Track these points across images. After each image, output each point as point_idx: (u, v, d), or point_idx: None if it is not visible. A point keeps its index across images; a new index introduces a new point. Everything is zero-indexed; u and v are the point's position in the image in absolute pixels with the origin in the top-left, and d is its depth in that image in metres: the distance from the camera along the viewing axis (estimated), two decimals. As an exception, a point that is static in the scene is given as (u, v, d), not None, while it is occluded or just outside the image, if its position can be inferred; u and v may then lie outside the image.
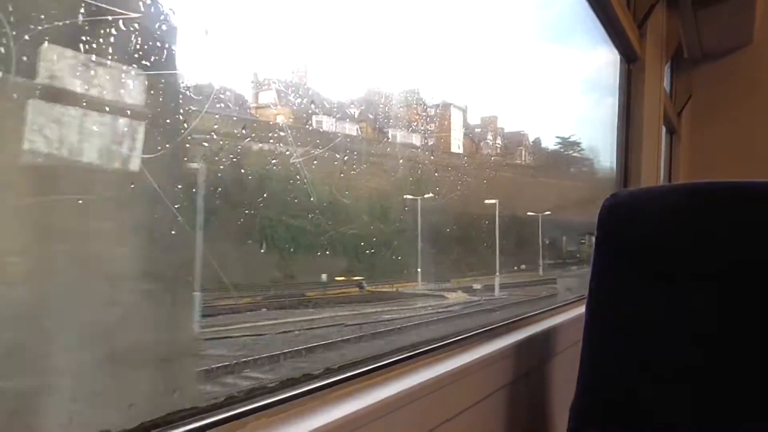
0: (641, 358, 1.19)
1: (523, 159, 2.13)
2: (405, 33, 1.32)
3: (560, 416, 1.53)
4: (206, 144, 0.81)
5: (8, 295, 0.52)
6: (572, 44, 2.60)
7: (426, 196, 1.39)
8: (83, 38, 0.57)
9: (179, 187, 0.71)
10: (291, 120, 1.02)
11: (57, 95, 0.56)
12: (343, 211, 1.11)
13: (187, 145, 0.72)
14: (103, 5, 0.58)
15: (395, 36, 1.29)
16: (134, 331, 0.65)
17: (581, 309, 1.32)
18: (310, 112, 1.04)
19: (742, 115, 4.43)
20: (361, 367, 0.94)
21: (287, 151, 0.96)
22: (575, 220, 2.91)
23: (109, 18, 0.58)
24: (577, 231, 2.89)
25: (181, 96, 0.70)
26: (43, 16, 0.52)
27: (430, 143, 1.43)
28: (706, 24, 3.90)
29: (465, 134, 1.63)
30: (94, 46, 0.58)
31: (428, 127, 1.41)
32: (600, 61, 2.79)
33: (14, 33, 0.49)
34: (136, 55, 0.62)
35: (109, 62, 0.59)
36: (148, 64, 0.63)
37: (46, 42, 0.53)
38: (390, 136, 1.31)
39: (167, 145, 0.66)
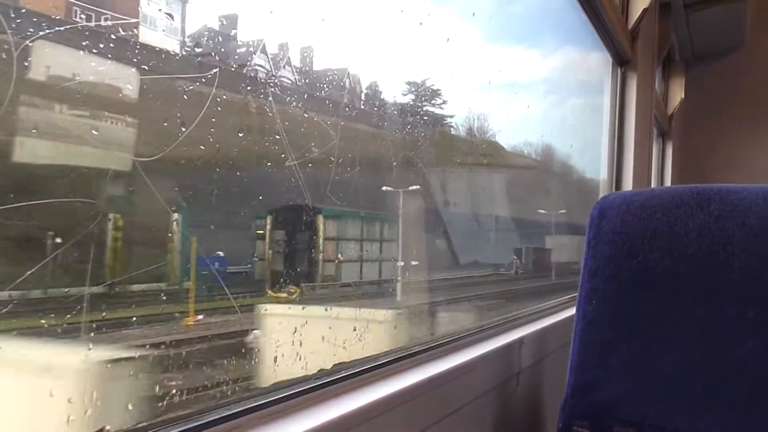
0: (630, 359, 1.21)
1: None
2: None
3: (550, 416, 1.55)
4: None
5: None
6: (531, 44, 2.46)
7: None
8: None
9: None
10: None
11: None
12: None
13: None
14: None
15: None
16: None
17: (572, 311, 1.33)
18: None
19: (733, 119, 4.47)
20: (353, 368, 0.95)
21: None
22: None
23: None
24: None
25: None
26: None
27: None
28: (698, 27, 3.93)
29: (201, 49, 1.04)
30: None
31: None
32: (560, 62, 2.72)
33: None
34: None
35: None
36: None
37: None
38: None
39: None
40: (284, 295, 1.28)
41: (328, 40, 1.29)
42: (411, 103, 1.76)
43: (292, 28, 1.26)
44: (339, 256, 1.57)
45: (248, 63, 1.23)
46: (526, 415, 1.51)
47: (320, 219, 1.48)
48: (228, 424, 0.70)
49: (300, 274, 1.41)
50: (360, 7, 1.38)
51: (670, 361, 1.18)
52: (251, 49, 1.23)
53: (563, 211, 2.95)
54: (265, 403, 0.76)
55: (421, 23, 1.41)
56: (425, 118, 1.80)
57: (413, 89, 1.75)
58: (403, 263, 1.64)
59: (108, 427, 0.59)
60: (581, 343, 1.26)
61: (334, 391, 0.87)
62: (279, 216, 1.32)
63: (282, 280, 1.33)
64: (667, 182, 4.59)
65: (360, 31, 1.31)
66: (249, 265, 1.34)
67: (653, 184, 3.94)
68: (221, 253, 1.08)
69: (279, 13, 1.14)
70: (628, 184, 2.81)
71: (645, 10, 2.71)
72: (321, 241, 1.49)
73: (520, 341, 1.42)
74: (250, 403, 0.74)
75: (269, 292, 1.27)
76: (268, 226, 1.31)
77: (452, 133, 1.98)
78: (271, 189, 1.16)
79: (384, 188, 1.46)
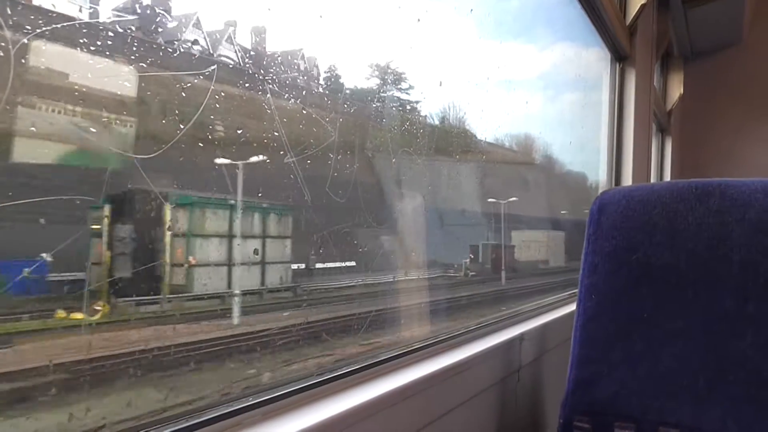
0: (631, 354, 1.21)
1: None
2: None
3: (551, 412, 1.55)
4: None
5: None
6: (528, 39, 2.41)
7: None
8: None
9: None
10: None
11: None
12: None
13: None
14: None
15: None
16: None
17: (573, 306, 1.33)
18: None
19: (732, 113, 4.47)
20: (353, 365, 0.95)
21: None
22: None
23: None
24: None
25: None
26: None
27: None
28: (697, 23, 3.93)
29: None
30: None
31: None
32: (555, 58, 2.68)
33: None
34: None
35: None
36: None
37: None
38: None
39: None
40: (80, 316, 0.91)
41: (326, 35, 1.20)
42: (375, 87, 1.51)
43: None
44: (190, 258, 1.17)
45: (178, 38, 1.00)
46: (527, 411, 1.51)
47: (167, 209, 1.08)
48: (228, 421, 0.70)
49: (138, 282, 1.04)
50: (361, 4, 1.36)
51: (670, 355, 1.18)
52: (183, 21, 1.02)
53: (514, 198, 2.66)
54: (265, 400, 0.76)
55: (419, 20, 1.40)
56: (393, 104, 1.56)
57: (377, 73, 1.52)
58: (304, 266, 1.32)
59: (105, 425, 0.59)
60: (582, 339, 1.26)
61: (334, 388, 0.87)
62: (121, 205, 0.98)
63: (89, 293, 0.94)
64: (667, 177, 4.59)
65: (357, 27, 1.29)
66: (83, 272, 0.98)
67: (653, 179, 3.94)
68: (45, 256, 0.80)
69: (277, 9, 1.03)
70: (627, 180, 2.81)
71: (643, 6, 2.70)
72: (168, 238, 1.11)
73: (521, 337, 1.42)
74: (250, 400, 0.74)
75: (59, 312, 0.88)
76: (106, 219, 0.97)
77: (418, 120, 1.68)
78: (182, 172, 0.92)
79: (218, 161, 1.05)
